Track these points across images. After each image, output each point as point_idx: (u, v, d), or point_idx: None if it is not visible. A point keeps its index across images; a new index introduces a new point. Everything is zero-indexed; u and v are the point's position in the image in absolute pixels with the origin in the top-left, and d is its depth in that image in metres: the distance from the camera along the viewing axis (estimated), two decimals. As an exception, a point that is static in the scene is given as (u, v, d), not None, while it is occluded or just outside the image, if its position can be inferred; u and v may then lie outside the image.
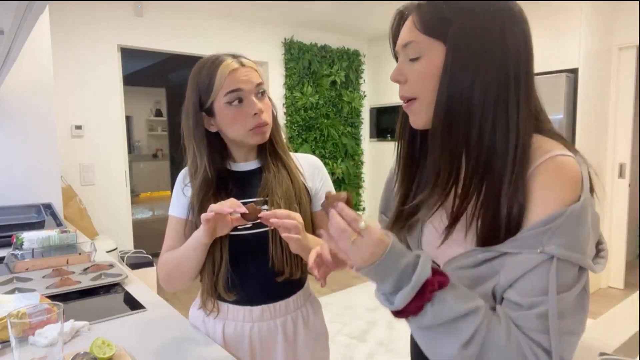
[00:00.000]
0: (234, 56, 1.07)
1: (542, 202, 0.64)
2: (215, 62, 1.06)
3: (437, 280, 0.62)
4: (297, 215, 0.98)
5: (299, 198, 1.10)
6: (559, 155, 0.66)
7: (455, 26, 0.67)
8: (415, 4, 0.73)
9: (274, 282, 1.10)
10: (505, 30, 0.67)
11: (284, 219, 0.95)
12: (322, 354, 1.22)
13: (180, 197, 1.14)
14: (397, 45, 0.76)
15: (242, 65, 1.05)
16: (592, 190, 0.67)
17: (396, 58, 0.79)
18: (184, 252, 1.06)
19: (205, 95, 1.06)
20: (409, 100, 0.74)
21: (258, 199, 1.09)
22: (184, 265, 1.07)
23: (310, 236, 1.03)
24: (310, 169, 1.19)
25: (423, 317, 0.63)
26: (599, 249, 0.70)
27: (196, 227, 1.06)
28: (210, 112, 1.08)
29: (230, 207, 0.95)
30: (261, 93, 1.09)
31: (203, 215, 0.96)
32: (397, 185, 0.86)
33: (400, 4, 0.77)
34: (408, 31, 0.72)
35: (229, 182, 1.12)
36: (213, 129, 1.10)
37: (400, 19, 0.78)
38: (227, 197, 1.03)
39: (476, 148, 0.67)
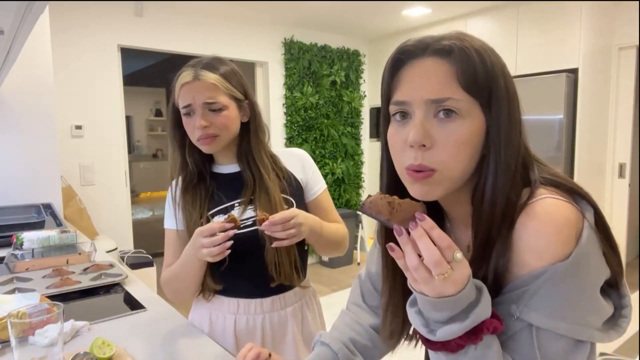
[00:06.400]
0: (196, 65, 1.07)
1: (521, 258, 0.56)
2: (183, 68, 1.09)
3: (493, 325, 0.55)
4: (294, 216, 0.99)
5: (281, 205, 1.11)
6: (547, 197, 0.56)
7: (497, 87, 0.58)
8: (447, 46, 0.57)
9: (272, 281, 1.11)
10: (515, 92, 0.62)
11: (278, 225, 0.97)
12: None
13: (171, 208, 1.16)
14: (409, 95, 0.59)
15: (197, 78, 1.05)
16: (612, 252, 0.58)
17: (386, 116, 0.63)
18: (183, 268, 1.09)
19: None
20: (425, 170, 0.58)
21: (240, 200, 1.12)
22: (189, 279, 1.10)
23: (310, 216, 1.07)
24: (297, 160, 1.22)
25: (461, 357, 0.55)
26: (622, 304, 0.60)
27: (187, 229, 1.11)
28: None
29: (220, 228, 0.98)
30: (217, 108, 1.06)
31: (205, 253, 0.98)
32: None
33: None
34: (443, 81, 0.56)
35: (211, 182, 1.15)
36: None
37: (400, 60, 0.61)
38: (207, 196, 1.11)
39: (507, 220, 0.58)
